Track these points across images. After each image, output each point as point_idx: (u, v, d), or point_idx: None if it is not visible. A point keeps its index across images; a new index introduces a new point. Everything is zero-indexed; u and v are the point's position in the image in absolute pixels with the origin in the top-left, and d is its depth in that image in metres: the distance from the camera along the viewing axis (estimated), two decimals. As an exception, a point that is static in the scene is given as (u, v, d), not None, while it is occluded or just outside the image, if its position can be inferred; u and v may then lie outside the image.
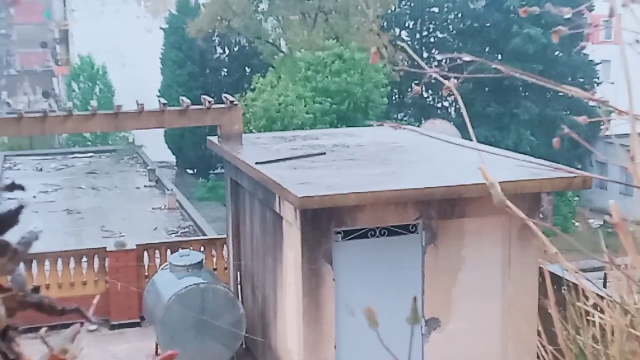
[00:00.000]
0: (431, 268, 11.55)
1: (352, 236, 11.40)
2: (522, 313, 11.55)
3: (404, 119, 40.92)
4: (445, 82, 1.93)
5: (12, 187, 0.80)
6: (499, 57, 40.30)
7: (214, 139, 14.45)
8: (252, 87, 35.73)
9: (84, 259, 16.03)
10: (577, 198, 37.88)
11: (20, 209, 0.79)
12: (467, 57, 2.03)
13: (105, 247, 16.10)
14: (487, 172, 1.52)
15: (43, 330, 0.86)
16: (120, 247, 15.89)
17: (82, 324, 0.94)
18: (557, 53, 40.82)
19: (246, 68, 43.67)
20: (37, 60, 68.65)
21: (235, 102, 14.36)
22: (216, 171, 40.65)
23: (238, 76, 43.68)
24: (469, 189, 11.17)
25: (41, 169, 34.80)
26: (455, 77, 1.95)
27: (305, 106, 32.54)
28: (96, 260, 16.01)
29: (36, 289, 0.82)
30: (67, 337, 0.91)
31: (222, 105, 14.29)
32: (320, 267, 11.12)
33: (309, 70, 33.68)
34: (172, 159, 44.63)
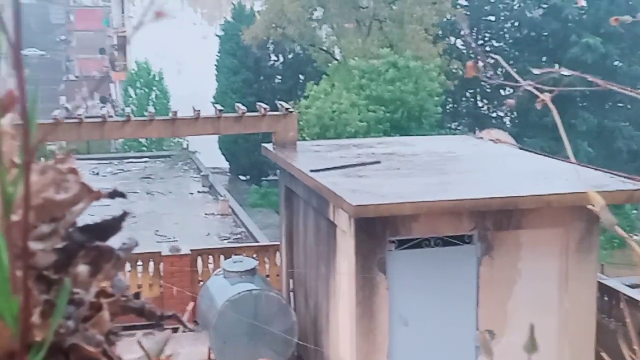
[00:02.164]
0: (486, 280, 11.42)
1: (406, 246, 11.34)
2: (579, 328, 11.35)
3: (458, 128, 40.65)
4: (540, 95, 1.88)
5: (114, 194, 0.81)
6: (556, 66, 39.78)
7: (269, 146, 14.53)
8: (305, 94, 35.88)
9: (139, 263, 16.24)
10: (635, 211, 37.12)
11: (124, 216, 0.80)
12: (565, 72, 1.98)
13: (160, 252, 16.30)
14: (596, 196, 1.48)
15: (140, 334, 0.86)
16: (175, 252, 16.07)
17: (175, 329, 0.94)
18: (616, 63, 40.11)
19: (300, 75, 43.88)
20: (96, 66, 69.97)
21: (290, 110, 14.43)
22: (269, 178, 40.88)
23: (292, 83, 43.91)
24: (526, 200, 11.04)
25: (97, 173, 35.42)
26: (549, 91, 1.90)
27: (358, 114, 32.55)
28: (151, 264, 16.21)
29: (137, 295, 0.83)
30: (161, 341, 0.91)
31: (277, 113, 14.37)
32: (374, 276, 11.08)
33: (363, 79, 33.69)
34: (226, 165, 45.02)
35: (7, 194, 0.58)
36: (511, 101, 2.14)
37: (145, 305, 0.81)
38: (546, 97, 1.80)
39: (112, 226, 0.81)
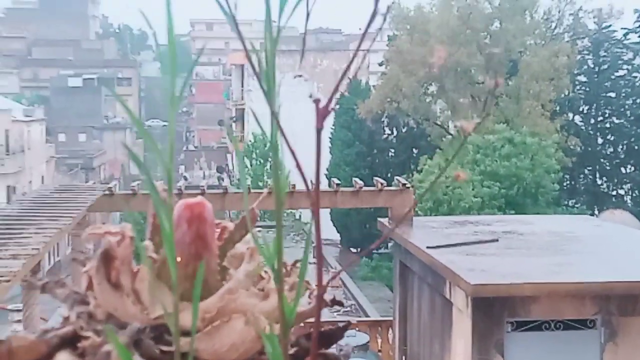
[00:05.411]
0: (610, 367, 10.92)
1: (525, 328, 11.02)
2: None
3: (576, 205, 39.54)
4: None
5: (334, 302, 0.85)
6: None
7: (385, 220, 14.55)
8: (419, 168, 35.87)
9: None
10: None
11: (347, 326, 0.85)
12: None
13: (273, 322, 16.40)
14: None
15: None
16: (287, 323, 16.15)
17: None
18: None
19: (413, 149, 44.01)
20: (214, 137, 72.40)
21: (407, 185, 14.46)
22: (380, 251, 40.73)
23: (405, 157, 44.04)
24: (654, 285, 10.58)
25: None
26: None
27: (473, 189, 32.21)
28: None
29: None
30: None
31: (394, 188, 14.42)
32: (491, 358, 10.78)
33: (477, 154, 33.43)
34: (337, 236, 45.22)
35: (288, 316, 0.64)
36: None
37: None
38: None
39: (335, 334, 0.86)
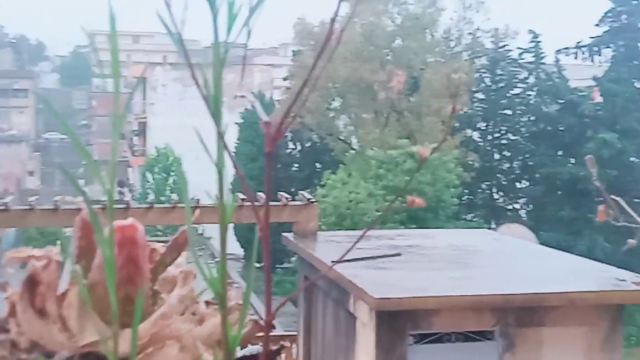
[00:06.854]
0: (508, 377, 11.22)
1: (426, 340, 11.21)
2: None
3: (474, 219, 40.61)
4: None
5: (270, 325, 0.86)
6: (572, 160, 39.98)
7: (290, 235, 14.55)
8: (322, 183, 36.13)
9: None
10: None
11: (281, 348, 0.85)
12: None
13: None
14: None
15: None
16: (191, 339, 15.93)
17: None
18: (632, 159, 40.26)
19: (317, 164, 44.28)
20: (115, 151, 70.74)
21: (312, 200, 14.52)
22: (283, 265, 40.75)
23: (309, 172, 44.27)
24: (549, 297, 10.94)
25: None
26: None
27: (375, 204, 32.67)
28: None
29: None
30: None
31: (299, 202, 14.45)
32: (394, 370, 10.92)
33: (380, 169, 33.95)
34: (241, 251, 44.99)
35: (231, 343, 0.64)
36: (632, 241, 2.17)
37: None
38: None
39: (270, 356, 0.86)
